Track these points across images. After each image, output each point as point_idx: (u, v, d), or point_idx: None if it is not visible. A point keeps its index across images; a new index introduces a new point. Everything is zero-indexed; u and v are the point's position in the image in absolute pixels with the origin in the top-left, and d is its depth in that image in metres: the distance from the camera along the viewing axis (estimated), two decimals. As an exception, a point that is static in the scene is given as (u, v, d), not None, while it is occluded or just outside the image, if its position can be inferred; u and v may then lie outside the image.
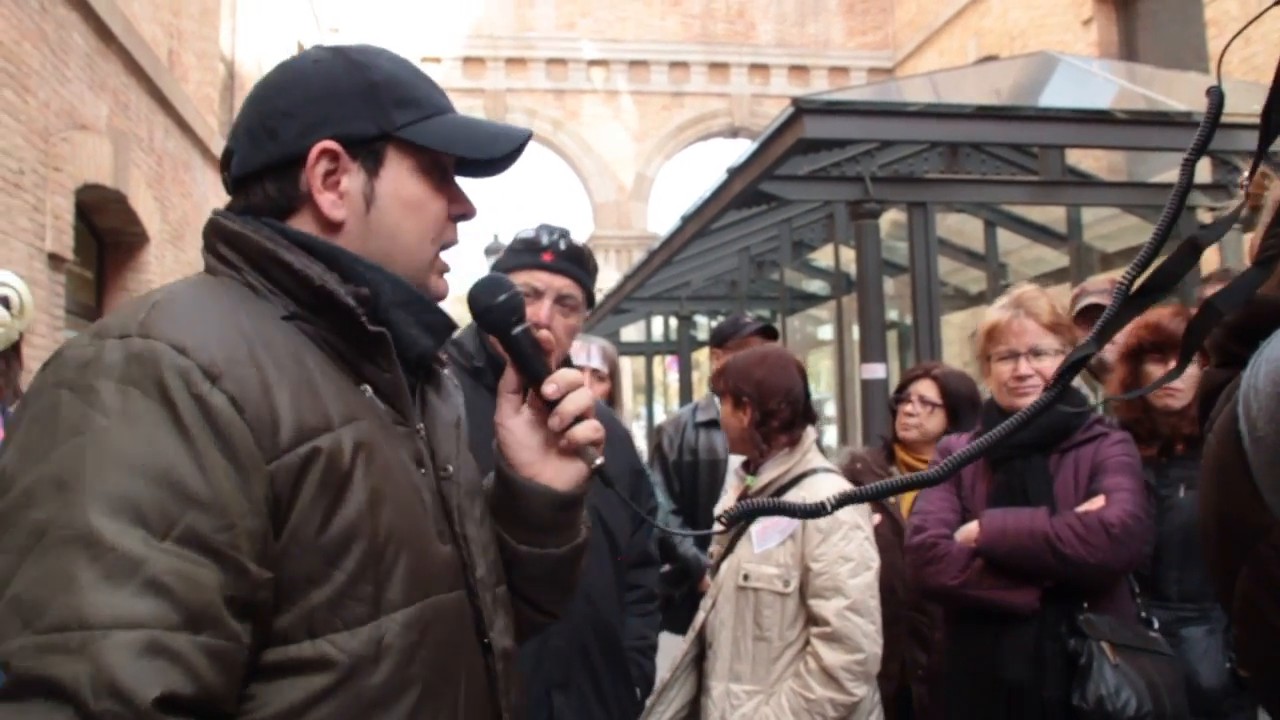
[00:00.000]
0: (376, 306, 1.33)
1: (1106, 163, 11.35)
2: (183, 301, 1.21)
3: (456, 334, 2.48)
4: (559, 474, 1.48)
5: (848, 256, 10.38)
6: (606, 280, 20.64)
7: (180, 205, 10.86)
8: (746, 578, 2.97)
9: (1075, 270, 9.47)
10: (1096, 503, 2.77)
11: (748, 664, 2.95)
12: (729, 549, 3.06)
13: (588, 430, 1.46)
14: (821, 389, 22.78)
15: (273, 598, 1.15)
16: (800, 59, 23.09)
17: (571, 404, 1.44)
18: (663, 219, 20.84)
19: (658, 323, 18.33)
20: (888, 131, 7.30)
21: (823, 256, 12.33)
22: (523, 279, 2.46)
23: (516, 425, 1.50)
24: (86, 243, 9.12)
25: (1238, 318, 1.16)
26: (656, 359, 20.97)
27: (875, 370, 7.12)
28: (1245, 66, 10.72)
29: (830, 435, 14.16)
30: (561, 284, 2.50)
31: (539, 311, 2.44)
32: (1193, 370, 2.99)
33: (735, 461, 3.44)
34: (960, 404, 3.94)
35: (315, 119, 1.32)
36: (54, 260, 7.59)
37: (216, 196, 12.32)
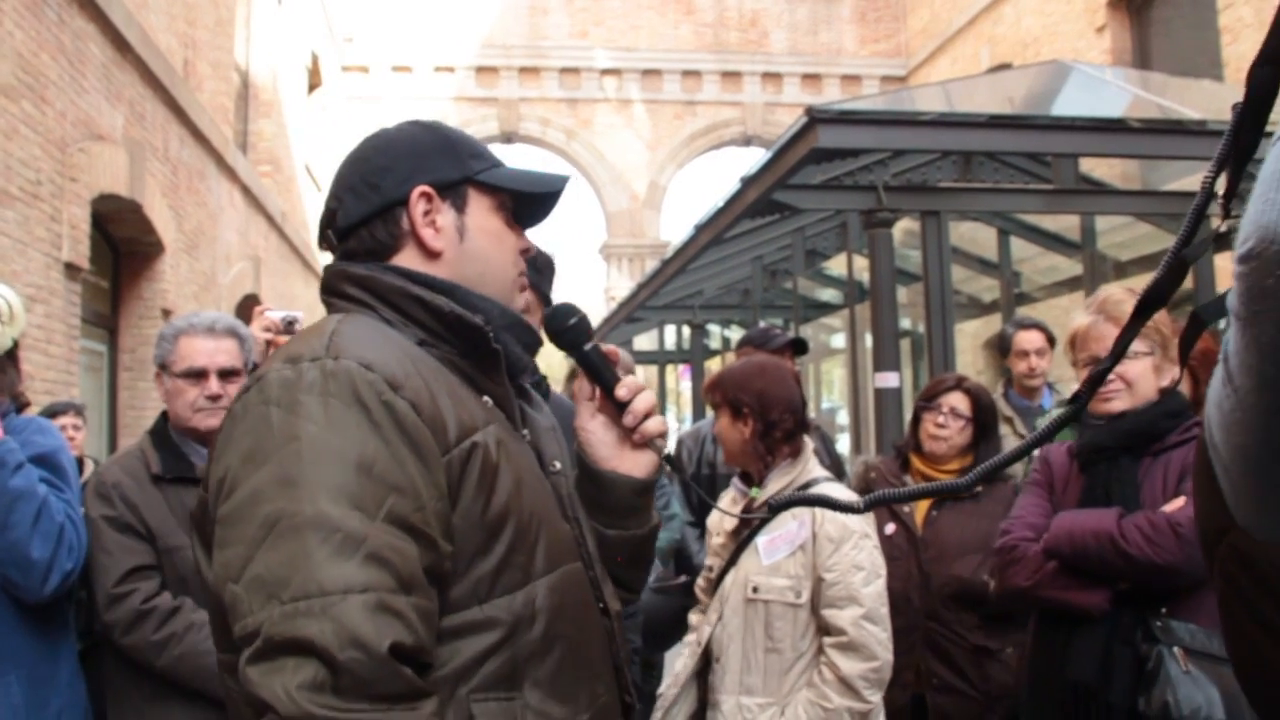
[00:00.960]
0: (492, 330, 1.58)
1: (1120, 171, 11.32)
2: (354, 329, 1.47)
3: None
4: (635, 464, 1.75)
5: (861, 265, 10.37)
6: (619, 289, 20.67)
7: (195, 214, 10.90)
8: (756, 590, 2.96)
9: (1089, 279, 9.45)
10: (1176, 504, 2.69)
11: (759, 676, 2.94)
12: (731, 562, 3.05)
13: (656, 424, 1.73)
14: (834, 398, 22.73)
15: (451, 569, 1.40)
16: (813, 67, 23.09)
17: (641, 403, 1.71)
18: (675, 227, 20.90)
19: (670, 331, 18.34)
20: (901, 140, 7.31)
21: (836, 265, 12.32)
22: None
23: (595, 426, 1.76)
24: (102, 252, 9.16)
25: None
26: (669, 368, 20.99)
27: (888, 379, 7.12)
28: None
29: (843, 444, 14.14)
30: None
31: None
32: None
33: None
34: (989, 419, 3.91)
35: (409, 170, 1.61)
36: (70, 270, 7.63)
37: (231, 205, 12.37)
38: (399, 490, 1.34)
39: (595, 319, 17.55)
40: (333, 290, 1.61)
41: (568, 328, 1.74)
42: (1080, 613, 2.74)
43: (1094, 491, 2.86)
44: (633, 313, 15.15)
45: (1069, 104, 9.25)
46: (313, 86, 18.64)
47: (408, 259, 1.60)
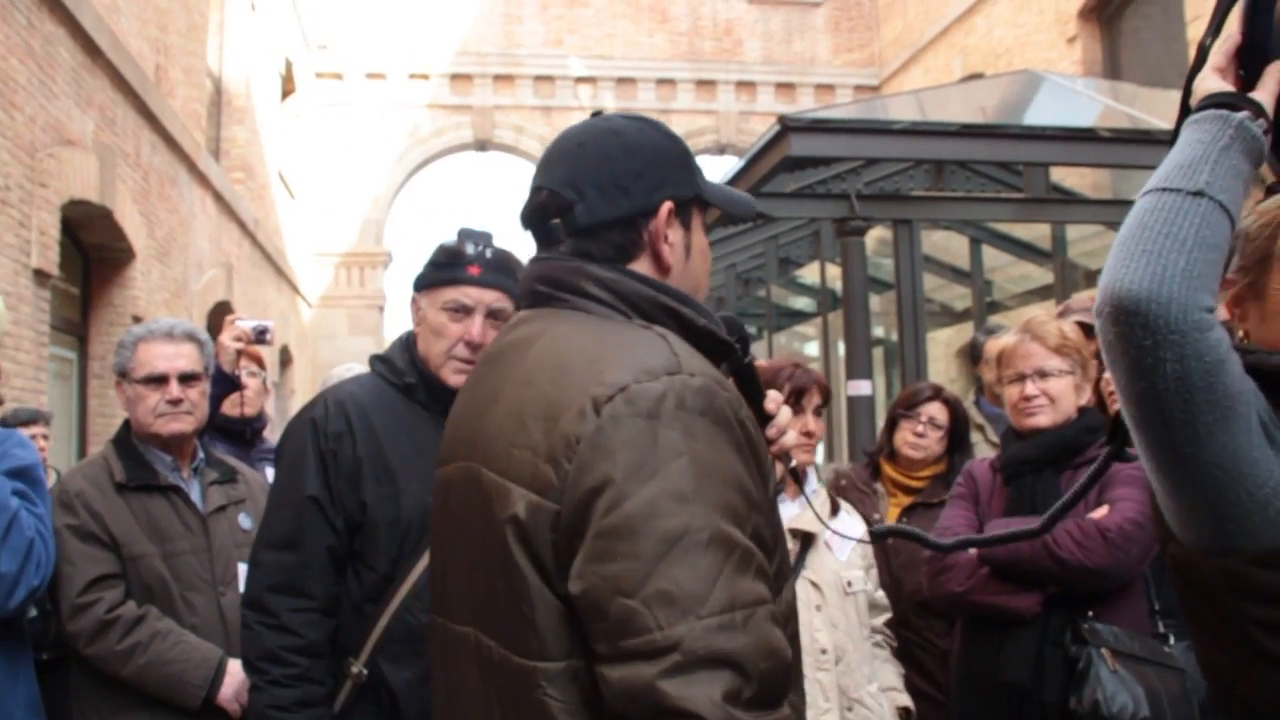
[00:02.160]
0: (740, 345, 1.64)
1: (1091, 180, 11.40)
2: (680, 345, 1.47)
3: (386, 351, 2.51)
4: None
5: (834, 273, 10.41)
6: (594, 297, 20.67)
7: (167, 221, 10.83)
8: (850, 584, 3.06)
9: (1060, 287, 9.51)
10: (1101, 511, 2.86)
11: (868, 664, 3.08)
12: (797, 565, 3.02)
13: (794, 438, 1.84)
14: (808, 405, 22.75)
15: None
16: (787, 76, 23.15)
17: (783, 417, 1.81)
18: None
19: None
20: (873, 149, 7.34)
21: (809, 273, 12.36)
22: (450, 295, 2.44)
23: None
24: (72, 258, 9.09)
25: None
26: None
27: (861, 387, 7.14)
28: (1228, 85, 10.77)
29: (817, 450, 14.16)
30: (491, 298, 2.45)
31: (470, 329, 2.42)
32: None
33: None
34: (963, 429, 3.98)
35: (659, 180, 1.60)
36: (39, 276, 7.56)
37: (203, 212, 12.30)
38: (759, 508, 1.40)
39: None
40: (572, 288, 1.57)
41: (741, 340, 1.74)
42: (1012, 616, 2.89)
43: (1020, 502, 3.03)
44: (607, 320, 15.12)
45: (1040, 114, 9.33)
46: (286, 93, 18.56)
47: (639, 268, 1.59)
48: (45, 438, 5.94)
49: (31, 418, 5.97)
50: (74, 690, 2.92)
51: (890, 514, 3.88)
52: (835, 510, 3.20)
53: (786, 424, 1.79)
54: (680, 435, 1.35)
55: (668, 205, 1.58)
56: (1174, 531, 1.42)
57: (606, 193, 1.57)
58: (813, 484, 3.20)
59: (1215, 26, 1.43)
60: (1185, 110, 1.46)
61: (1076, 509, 2.92)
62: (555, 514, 1.39)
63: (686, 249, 1.63)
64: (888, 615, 3.28)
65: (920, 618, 3.64)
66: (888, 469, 4.03)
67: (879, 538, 1.82)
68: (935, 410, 3.95)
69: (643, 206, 1.58)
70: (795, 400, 3.09)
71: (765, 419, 1.76)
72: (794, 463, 1.83)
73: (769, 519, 1.44)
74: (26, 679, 2.81)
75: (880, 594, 3.25)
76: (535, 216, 1.64)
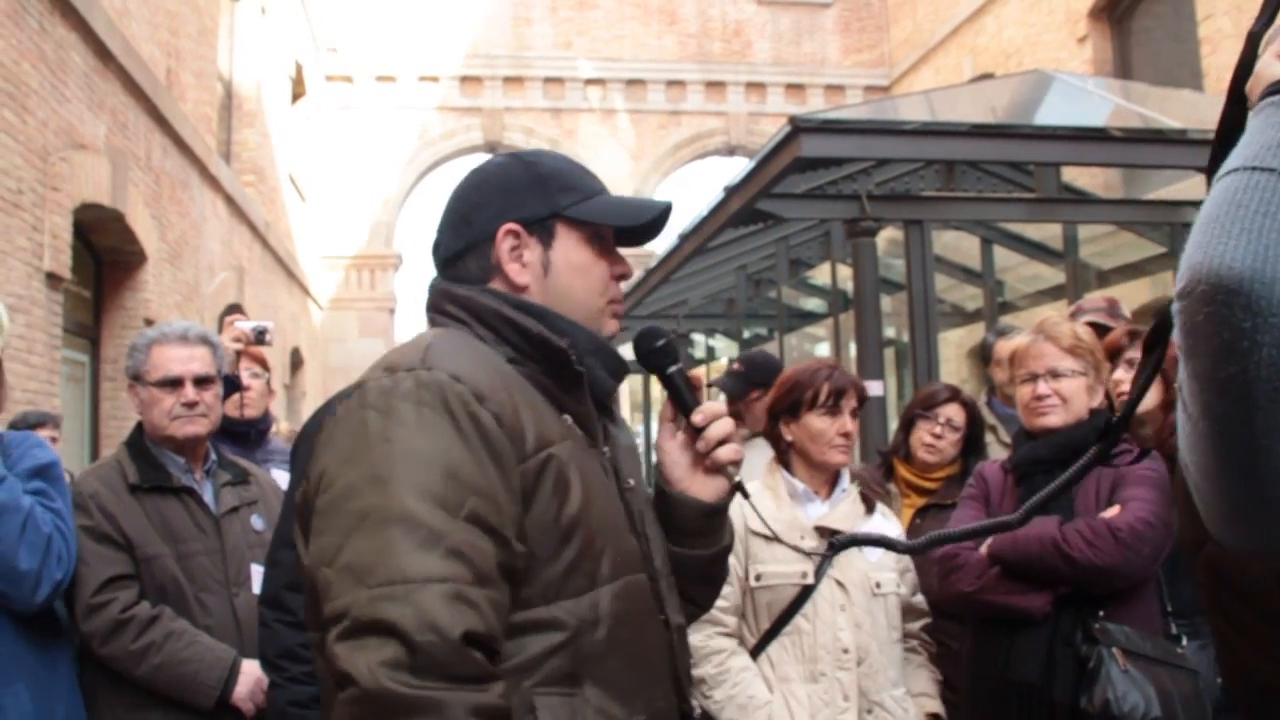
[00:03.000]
0: (575, 353, 1.67)
1: (1102, 180, 11.38)
2: (448, 344, 1.60)
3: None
4: (705, 488, 1.82)
5: (845, 274, 10.38)
6: (604, 298, 20.66)
7: (178, 224, 10.86)
8: (879, 585, 3.06)
9: (1072, 287, 9.47)
10: (1113, 511, 2.86)
11: (896, 668, 3.06)
12: (824, 564, 3.01)
13: (729, 452, 1.79)
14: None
15: (523, 568, 1.50)
16: (796, 77, 23.13)
17: (716, 430, 1.78)
18: (660, 237, 20.86)
19: (655, 341, 18.30)
20: (884, 150, 7.32)
21: (820, 274, 12.33)
22: None
23: (672, 448, 1.84)
24: (84, 262, 9.12)
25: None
26: (654, 377, 20.95)
27: (873, 388, 7.11)
28: (1239, 84, 10.72)
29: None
30: None
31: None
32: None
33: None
34: (978, 431, 3.97)
35: (501, 207, 1.73)
36: (52, 280, 7.59)
37: (214, 215, 12.33)
38: (479, 493, 1.45)
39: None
40: (436, 307, 1.74)
41: (654, 350, 1.83)
42: (1023, 615, 2.89)
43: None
44: (617, 322, 15.11)
45: (1051, 114, 9.30)
46: (296, 96, 18.60)
47: (498, 288, 1.71)
48: (54, 440, 5.97)
49: (40, 420, 6.02)
50: (88, 690, 2.93)
51: (904, 515, 3.87)
52: (870, 510, 3.18)
53: (717, 437, 1.77)
54: (391, 423, 1.47)
55: (505, 228, 1.70)
56: (1215, 532, 1.37)
57: (456, 227, 1.75)
58: (844, 484, 3.20)
59: (1268, 16, 1.39)
60: (1235, 99, 1.40)
61: (1089, 509, 2.93)
62: (305, 498, 1.56)
63: (545, 266, 1.72)
64: (926, 620, 3.27)
65: (935, 618, 3.63)
66: (901, 470, 4.02)
67: (838, 549, 1.81)
68: (953, 412, 3.94)
69: (484, 233, 1.72)
70: (834, 401, 3.10)
71: (696, 431, 1.79)
72: (737, 477, 1.79)
73: (512, 508, 1.49)
74: (66, 671, 2.84)
75: (919, 598, 3.24)
76: (432, 259, 1.82)
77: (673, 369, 1.81)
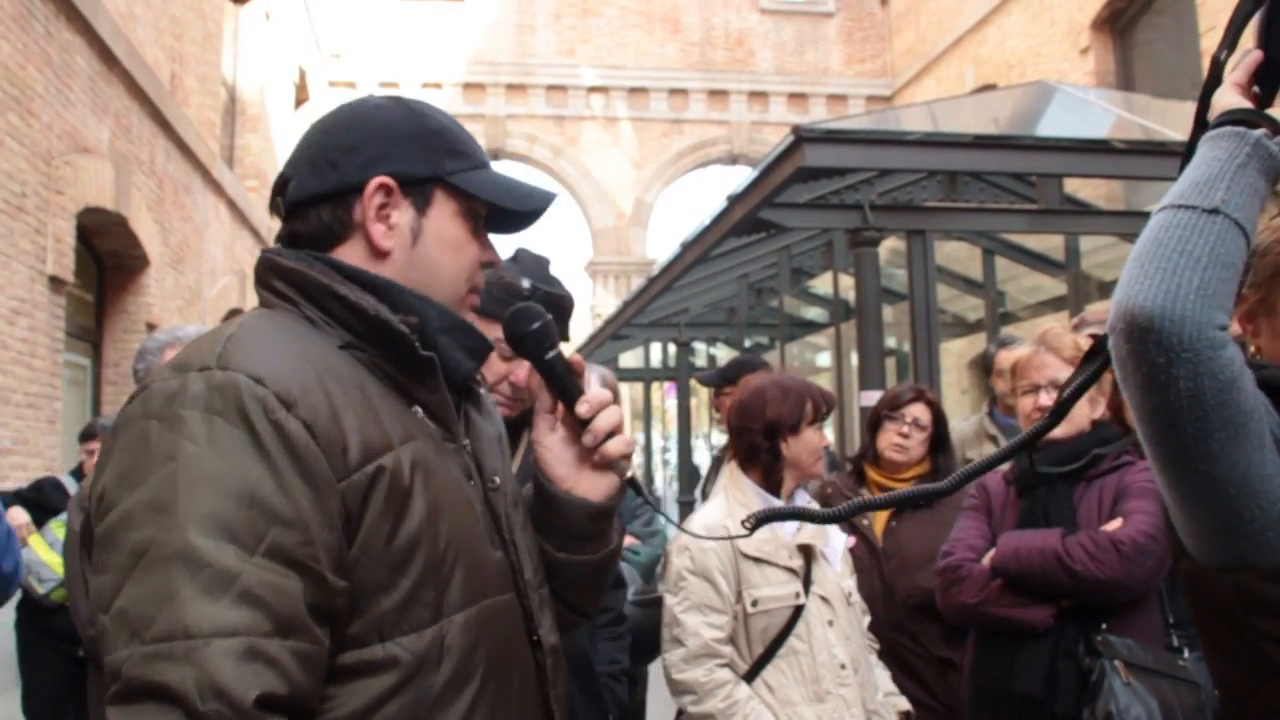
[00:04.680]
0: (424, 333, 1.45)
1: (1104, 191, 11.38)
2: (254, 335, 1.32)
3: None
4: (594, 486, 1.61)
5: (846, 284, 10.40)
6: (605, 306, 20.68)
7: (181, 228, 10.88)
8: (850, 595, 3.07)
9: (1073, 298, 9.49)
10: (1115, 524, 2.85)
11: (873, 672, 3.08)
12: (807, 580, 2.99)
13: (619, 445, 1.59)
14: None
15: (347, 605, 1.27)
16: (799, 86, 23.18)
17: (603, 421, 1.57)
18: (661, 245, 20.91)
19: (656, 349, 18.34)
20: (887, 160, 7.33)
21: (821, 284, 12.34)
22: (497, 334, 2.41)
23: (553, 443, 1.61)
24: (87, 265, 9.13)
25: None
26: (655, 385, 20.98)
27: (874, 398, 7.11)
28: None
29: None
30: None
31: (519, 372, 2.41)
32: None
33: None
34: (945, 430, 3.98)
35: (375, 155, 1.45)
36: (55, 283, 7.60)
37: (217, 219, 12.34)
38: (283, 522, 1.21)
39: (581, 336, 17.56)
40: (263, 283, 1.47)
41: (528, 333, 1.59)
42: (1025, 628, 2.89)
43: (1033, 514, 3.03)
44: (618, 330, 15.14)
45: (1053, 125, 9.31)
46: (300, 102, 18.63)
47: (351, 252, 1.47)
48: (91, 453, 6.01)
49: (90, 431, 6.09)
50: (92, 695, 2.93)
51: (877, 519, 3.87)
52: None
53: (606, 429, 1.57)
54: (176, 437, 1.21)
55: (377, 181, 1.44)
56: (1186, 547, 1.42)
57: (317, 167, 1.46)
58: (804, 497, 3.19)
59: (1230, 40, 1.43)
60: (1200, 125, 1.46)
61: (1091, 521, 2.93)
62: (88, 522, 1.30)
63: (415, 234, 1.48)
64: (868, 619, 3.27)
65: (915, 623, 3.62)
66: (871, 473, 4.01)
67: (757, 526, 1.67)
68: (919, 411, 3.95)
69: (351, 181, 1.45)
70: (825, 414, 3.09)
71: (582, 424, 1.58)
72: (629, 474, 1.62)
73: (327, 537, 1.24)
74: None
75: (857, 597, 3.20)
76: (271, 198, 1.53)
77: (551, 354, 1.58)
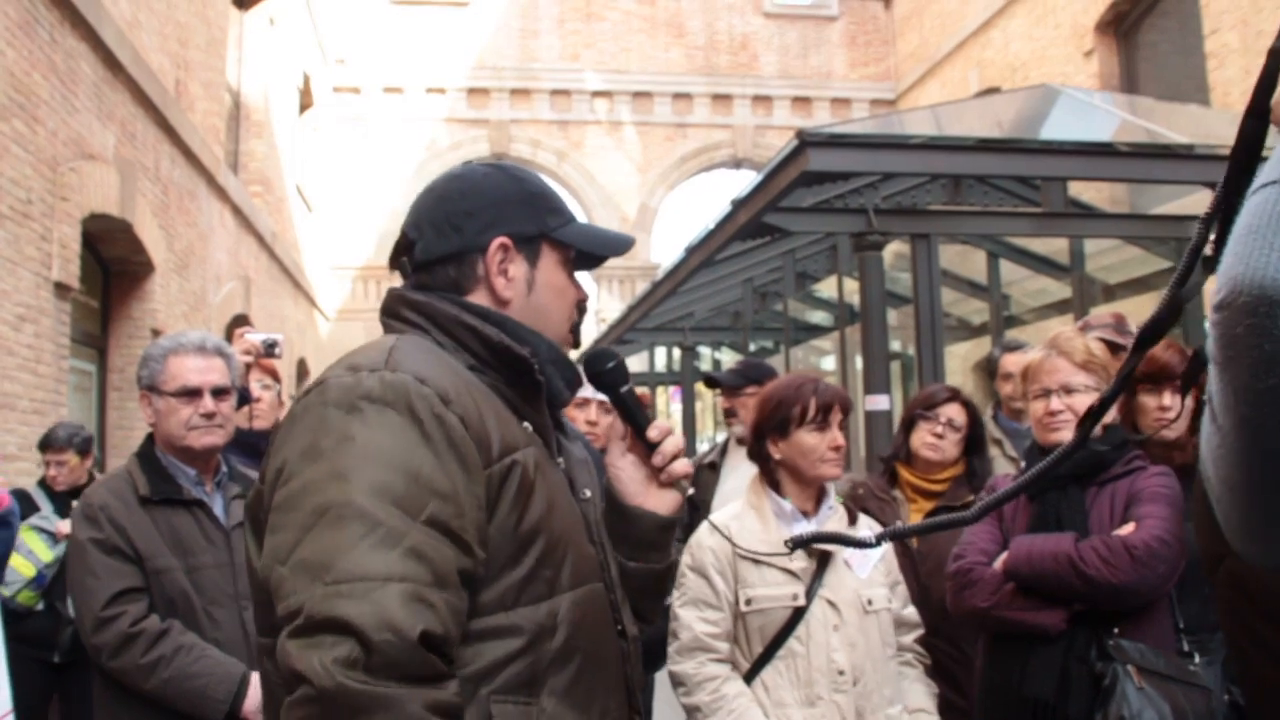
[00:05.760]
0: (538, 362, 1.68)
1: (1109, 194, 11.38)
2: (411, 347, 1.58)
3: None
4: (661, 501, 1.85)
5: (851, 288, 10.40)
6: (610, 310, 20.68)
7: (186, 234, 10.89)
8: (870, 602, 3.01)
9: (1078, 301, 9.49)
10: (1128, 528, 2.84)
11: (891, 685, 3.01)
12: (814, 584, 2.98)
13: (682, 466, 1.84)
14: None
15: (483, 575, 1.49)
16: (803, 90, 23.18)
17: (670, 445, 1.82)
18: (666, 249, 20.89)
19: (661, 353, 18.35)
20: (891, 164, 7.33)
21: (826, 288, 12.36)
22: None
23: (625, 464, 1.86)
24: (92, 271, 9.14)
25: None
26: (660, 389, 20.98)
27: (879, 401, 7.12)
28: (1246, 98, 10.73)
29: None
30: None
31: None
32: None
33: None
34: (980, 431, 3.93)
35: (492, 219, 1.72)
36: (60, 289, 7.61)
37: (221, 225, 12.36)
38: (442, 496, 1.43)
39: (586, 341, 17.57)
40: (391, 313, 1.73)
41: (606, 370, 1.86)
42: (1037, 632, 2.87)
43: (1045, 518, 3.01)
44: (623, 334, 15.15)
45: (1057, 128, 9.31)
46: (304, 107, 18.65)
47: (478, 301, 1.71)
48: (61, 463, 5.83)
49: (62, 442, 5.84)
50: (97, 703, 2.93)
51: (912, 520, 3.82)
52: (853, 522, 3.14)
53: (672, 452, 1.82)
54: (353, 421, 1.45)
55: (498, 241, 1.70)
56: (1237, 547, 1.36)
57: (441, 231, 1.72)
58: (831, 500, 3.15)
59: None
60: (1253, 113, 1.39)
61: (1103, 525, 2.92)
62: (260, 496, 1.55)
63: (529, 283, 1.73)
64: (919, 632, 3.22)
65: (952, 627, 3.58)
66: (905, 473, 3.94)
67: (797, 547, 1.86)
68: (954, 412, 3.89)
69: (474, 243, 1.70)
70: (823, 416, 3.04)
71: (651, 447, 1.82)
72: (690, 491, 1.85)
73: (476, 514, 1.48)
74: None
75: (910, 611, 3.19)
76: (393, 256, 1.80)
77: (624, 389, 1.85)
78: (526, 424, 1.67)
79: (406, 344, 1.59)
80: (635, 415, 1.84)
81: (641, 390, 1.95)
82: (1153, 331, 1.34)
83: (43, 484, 5.76)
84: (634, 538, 1.84)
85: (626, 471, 1.86)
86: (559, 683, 1.54)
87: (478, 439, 1.51)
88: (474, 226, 1.71)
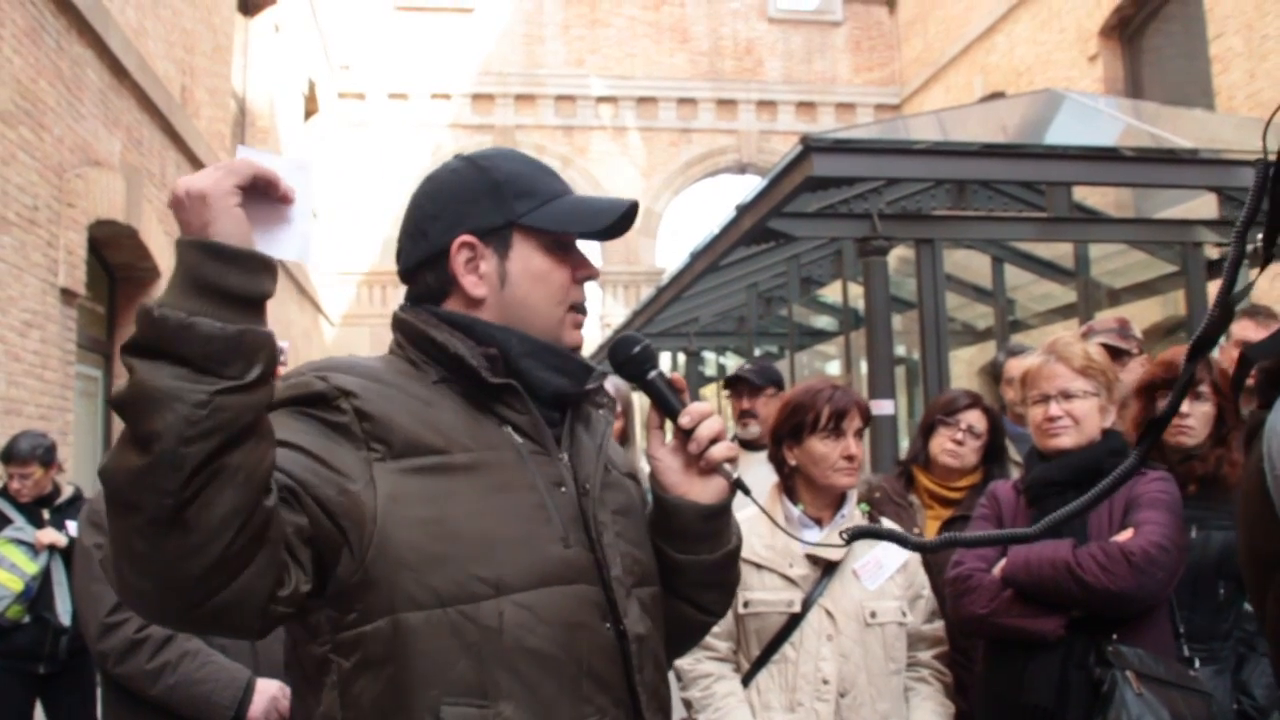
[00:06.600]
0: (507, 360, 1.64)
1: (1113, 199, 11.38)
2: (343, 358, 1.62)
3: None
4: (704, 490, 1.75)
5: (856, 293, 10.40)
6: (614, 316, 20.69)
7: (191, 241, 10.90)
8: (874, 615, 2.97)
9: (1083, 306, 9.48)
10: (1126, 534, 2.83)
11: (890, 700, 2.96)
12: (814, 593, 2.97)
13: (723, 450, 1.72)
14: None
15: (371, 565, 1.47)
16: (807, 95, 23.19)
17: (705, 430, 1.72)
18: (671, 255, 20.91)
19: (665, 358, 18.35)
20: (895, 169, 7.34)
21: (831, 293, 12.36)
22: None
23: (663, 454, 1.78)
24: (98, 277, 9.17)
25: (1274, 364, 1.26)
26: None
27: (884, 406, 7.11)
28: (1251, 103, 10.75)
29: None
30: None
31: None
32: (1206, 409, 3.21)
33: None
34: (1000, 438, 3.90)
35: (455, 218, 1.68)
36: (66, 295, 7.63)
37: (227, 232, 12.38)
38: (309, 448, 1.47)
39: (591, 346, 17.56)
40: (394, 336, 1.74)
41: (630, 358, 1.79)
42: (1036, 638, 2.87)
43: None
44: (628, 339, 15.13)
45: (1062, 133, 9.31)
46: (309, 113, 18.69)
47: (455, 304, 1.69)
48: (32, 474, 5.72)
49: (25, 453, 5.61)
50: (105, 709, 2.94)
51: (929, 527, 3.78)
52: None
53: (708, 436, 1.71)
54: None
55: (459, 240, 1.66)
56: None
57: (414, 238, 1.72)
58: (847, 508, 3.09)
59: None
60: None
61: (1101, 531, 2.92)
62: None
63: (502, 277, 1.68)
64: (941, 649, 3.16)
65: (964, 636, 3.56)
66: (923, 479, 3.89)
67: (853, 539, 1.75)
68: (975, 418, 3.84)
69: (438, 246, 1.68)
70: (836, 423, 3.00)
71: (686, 434, 1.73)
72: (735, 475, 1.73)
73: (346, 493, 1.47)
74: None
75: (932, 626, 3.15)
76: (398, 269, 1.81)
77: (653, 373, 1.76)
78: (507, 427, 1.63)
79: (348, 357, 1.64)
80: (667, 400, 1.75)
81: (676, 375, 1.82)
82: (1205, 340, 1.34)
83: (5, 494, 5.64)
84: (675, 530, 1.76)
85: (665, 461, 1.77)
86: (512, 686, 1.49)
87: (378, 428, 1.51)
88: (438, 229, 1.68)
